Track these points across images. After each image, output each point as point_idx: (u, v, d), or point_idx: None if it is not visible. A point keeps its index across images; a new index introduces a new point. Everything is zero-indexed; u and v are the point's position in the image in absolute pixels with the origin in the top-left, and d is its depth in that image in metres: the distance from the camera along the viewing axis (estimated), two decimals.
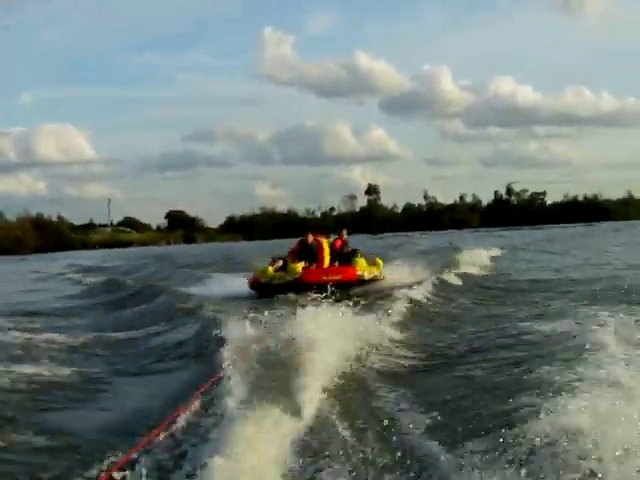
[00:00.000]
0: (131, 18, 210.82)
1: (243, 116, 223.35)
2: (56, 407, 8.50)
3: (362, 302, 15.56)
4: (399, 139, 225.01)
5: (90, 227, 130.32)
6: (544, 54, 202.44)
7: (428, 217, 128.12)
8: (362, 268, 19.15)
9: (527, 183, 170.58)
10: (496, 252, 34.68)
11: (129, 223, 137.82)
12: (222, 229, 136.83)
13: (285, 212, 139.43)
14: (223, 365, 8.41)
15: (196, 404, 7.36)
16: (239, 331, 10.73)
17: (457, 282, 21.27)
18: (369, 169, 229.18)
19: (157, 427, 6.58)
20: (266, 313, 13.17)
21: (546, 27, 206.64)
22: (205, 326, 13.22)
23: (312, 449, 6.06)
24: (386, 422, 6.84)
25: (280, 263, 19.19)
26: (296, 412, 6.60)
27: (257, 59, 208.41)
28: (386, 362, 9.94)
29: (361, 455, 5.91)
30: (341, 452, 5.99)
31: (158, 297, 19.99)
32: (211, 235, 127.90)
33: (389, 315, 13.75)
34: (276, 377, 7.29)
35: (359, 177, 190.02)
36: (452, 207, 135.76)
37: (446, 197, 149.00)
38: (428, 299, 17.20)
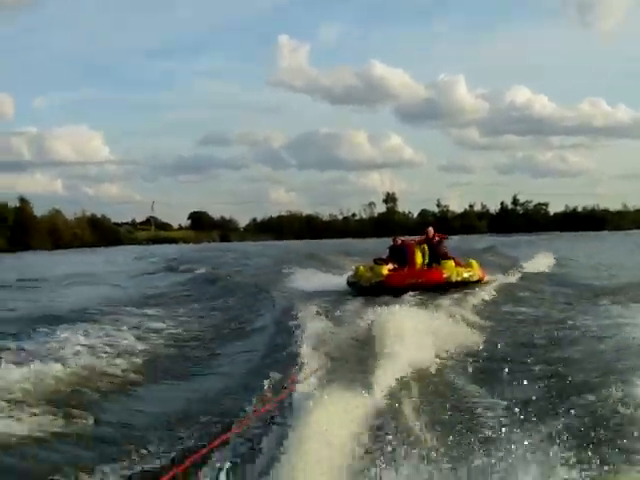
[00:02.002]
0: (148, 23, 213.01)
1: (258, 122, 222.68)
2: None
3: (442, 300, 16.26)
4: (415, 146, 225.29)
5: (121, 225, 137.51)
6: (560, 65, 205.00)
7: (440, 223, 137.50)
8: (450, 270, 19.10)
9: (538, 195, 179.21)
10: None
11: (156, 222, 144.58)
12: (252, 229, 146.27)
13: (310, 215, 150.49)
14: (302, 355, 9.34)
15: (275, 389, 7.97)
16: (319, 324, 12.26)
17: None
18: (385, 175, 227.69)
19: (240, 419, 7.04)
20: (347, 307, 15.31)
21: (562, 39, 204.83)
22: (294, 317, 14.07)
23: (379, 435, 6.28)
24: (454, 414, 7.20)
25: (373, 264, 20.10)
26: (366, 397, 6.94)
27: (272, 66, 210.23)
28: (460, 359, 9.96)
29: (426, 444, 6.05)
30: (406, 440, 6.09)
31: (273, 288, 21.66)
32: (243, 235, 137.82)
33: (469, 312, 14.49)
34: (351, 366, 8.22)
35: (375, 183, 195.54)
36: (463, 215, 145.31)
37: (461, 203, 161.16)
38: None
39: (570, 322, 13.07)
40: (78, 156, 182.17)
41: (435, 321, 11.73)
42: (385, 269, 19.16)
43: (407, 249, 20.05)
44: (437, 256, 19.81)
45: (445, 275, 18.72)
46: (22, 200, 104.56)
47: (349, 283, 19.89)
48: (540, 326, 13.07)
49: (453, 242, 60.98)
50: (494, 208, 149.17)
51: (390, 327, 9.75)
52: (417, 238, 20.89)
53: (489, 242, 59.10)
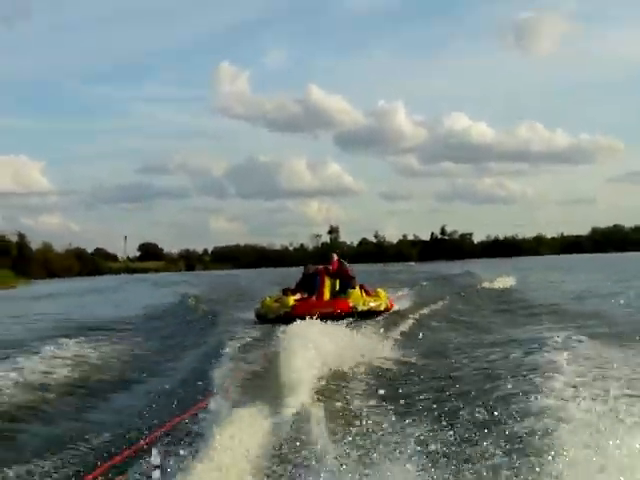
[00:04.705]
0: (86, 49, 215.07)
1: (198, 149, 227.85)
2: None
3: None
4: (354, 174, 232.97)
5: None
6: (498, 91, 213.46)
7: (378, 251, 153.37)
8: (356, 300, 19.17)
9: (476, 222, 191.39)
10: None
11: (100, 254, 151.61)
12: (209, 259, 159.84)
13: (262, 246, 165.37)
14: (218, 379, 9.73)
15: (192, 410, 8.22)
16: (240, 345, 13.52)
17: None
18: (325, 203, 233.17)
19: (156, 429, 7.53)
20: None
21: (499, 64, 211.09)
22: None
23: (286, 448, 6.60)
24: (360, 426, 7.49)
25: (280, 295, 19.97)
26: (279, 413, 7.56)
27: (212, 93, 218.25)
28: (371, 372, 10.97)
29: (335, 458, 6.22)
30: (317, 452, 6.43)
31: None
32: (206, 264, 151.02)
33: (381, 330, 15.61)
34: (265, 385, 8.67)
35: (315, 212, 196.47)
36: (398, 244, 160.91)
37: (397, 233, 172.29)
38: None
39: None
40: (17, 187, 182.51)
41: (344, 337, 12.54)
42: (292, 300, 19.18)
43: (318, 278, 20.10)
44: (346, 284, 20.11)
45: (351, 305, 18.91)
46: (20, 235, 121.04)
47: (257, 315, 19.74)
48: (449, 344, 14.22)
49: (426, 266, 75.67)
50: (426, 237, 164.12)
51: (301, 344, 9.51)
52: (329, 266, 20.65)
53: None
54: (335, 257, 20.91)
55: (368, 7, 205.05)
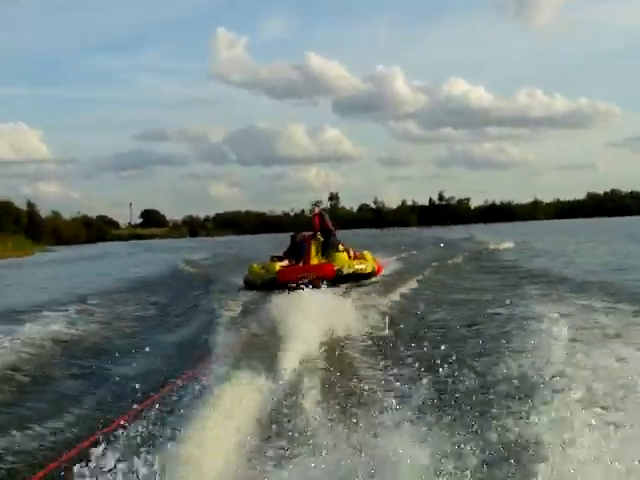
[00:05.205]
0: (84, 19, 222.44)
1: (196, 117, 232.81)
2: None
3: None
4: (354, 139, 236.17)
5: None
6: (497, 57, 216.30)
7: (377, 217, 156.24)
8: (341, 262, 19.28)
9: (476, 186, 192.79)
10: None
11: (103, 221, 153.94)
12: (212, 225, 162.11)
13: (265, 213, 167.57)
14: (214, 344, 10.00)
15: (190, 374, 8.35)
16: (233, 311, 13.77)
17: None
18: (324, 170, 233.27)
19: (148, 397, 7.39)
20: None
21: (498, 32, 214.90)
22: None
23: (278, 418, 6.60)
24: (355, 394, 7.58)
25: (268, 262, 20.22)
26: (274, 379, 7.53)
27: (210, 60, 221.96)
28: (365, 337, 11.00)
29: (329, 425, 6.20)
30: (309, 418, 6.54)
31: None
32: (209, 231, 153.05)
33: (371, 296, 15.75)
34: (260, 350, 8.77)
35: (314, 178, 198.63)
36: (397, 209, 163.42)
37: (396, 198, 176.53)
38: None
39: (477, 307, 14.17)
40: (16, 155, 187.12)
41: (338, 303, 12.59)
42: (278, 266, 19.31)
43: (305, 245, 20.16)
44: (328, 240, 20.34)
45: (336, 268, 18.88)
46: (30, 204, 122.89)
47: (244, 281, 20.21)
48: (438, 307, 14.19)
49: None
50: (425, 202, 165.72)
51: (295, 312, 9.78)
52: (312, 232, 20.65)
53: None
54: (317, 210, 21.22)
55: None
